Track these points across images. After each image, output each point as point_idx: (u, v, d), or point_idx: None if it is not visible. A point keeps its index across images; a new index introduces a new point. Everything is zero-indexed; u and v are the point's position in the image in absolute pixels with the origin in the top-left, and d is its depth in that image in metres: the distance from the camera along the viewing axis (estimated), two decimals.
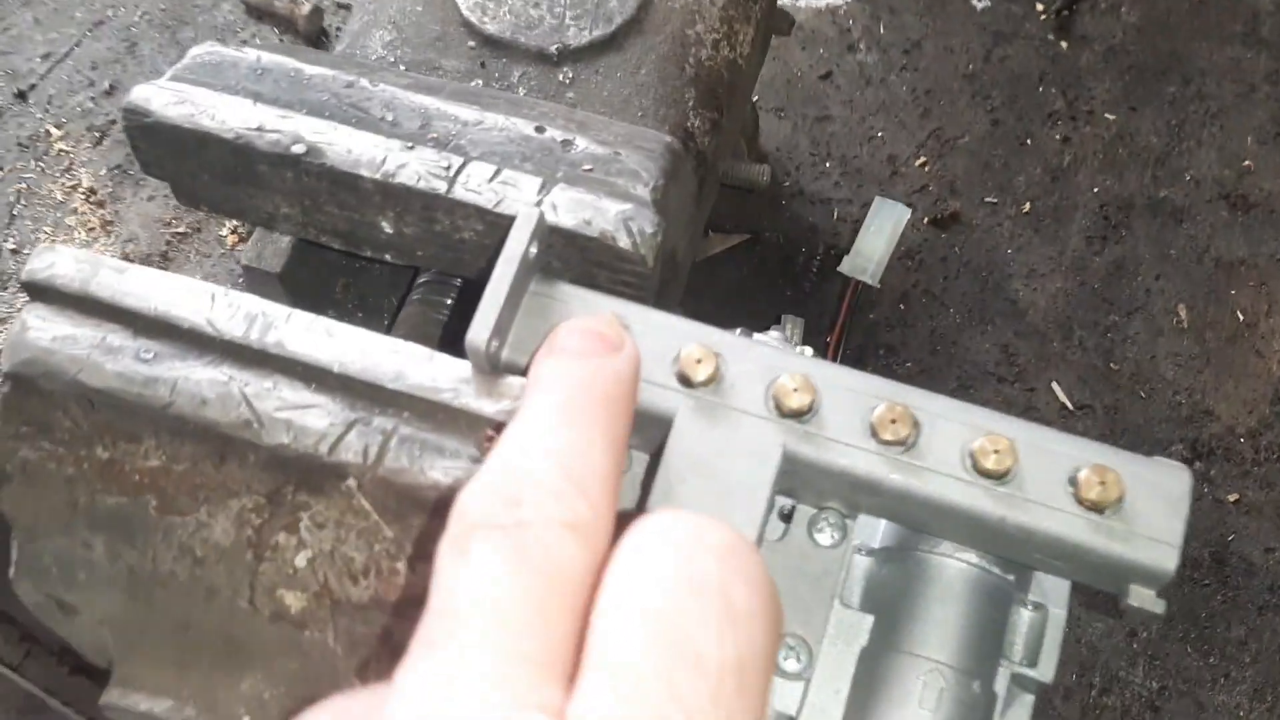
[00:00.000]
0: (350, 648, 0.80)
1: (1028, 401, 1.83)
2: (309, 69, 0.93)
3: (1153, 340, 1.86)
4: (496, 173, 0.85)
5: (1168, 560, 0.72)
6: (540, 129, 0.90)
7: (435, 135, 0.88)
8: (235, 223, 1.84)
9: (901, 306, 1.88)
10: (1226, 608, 1.64)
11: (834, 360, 1.79)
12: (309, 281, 1.19)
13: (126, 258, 1.85)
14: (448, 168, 0.85)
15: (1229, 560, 1.67)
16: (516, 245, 0.78)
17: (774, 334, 1.18)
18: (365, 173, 0.85)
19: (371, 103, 0.90)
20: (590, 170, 0.88)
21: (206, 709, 0.84)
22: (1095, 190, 2.02)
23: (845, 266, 1.87)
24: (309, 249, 1.18)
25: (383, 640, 0.79)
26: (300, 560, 0.79)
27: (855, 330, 1.85)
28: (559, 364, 0.53)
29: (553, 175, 0.87)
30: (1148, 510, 0.74)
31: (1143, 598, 0.75)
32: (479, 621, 0.39)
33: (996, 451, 0.74)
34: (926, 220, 1.96)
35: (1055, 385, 1.82)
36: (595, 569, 0.43)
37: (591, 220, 0.84)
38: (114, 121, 2.03)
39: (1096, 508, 0.73)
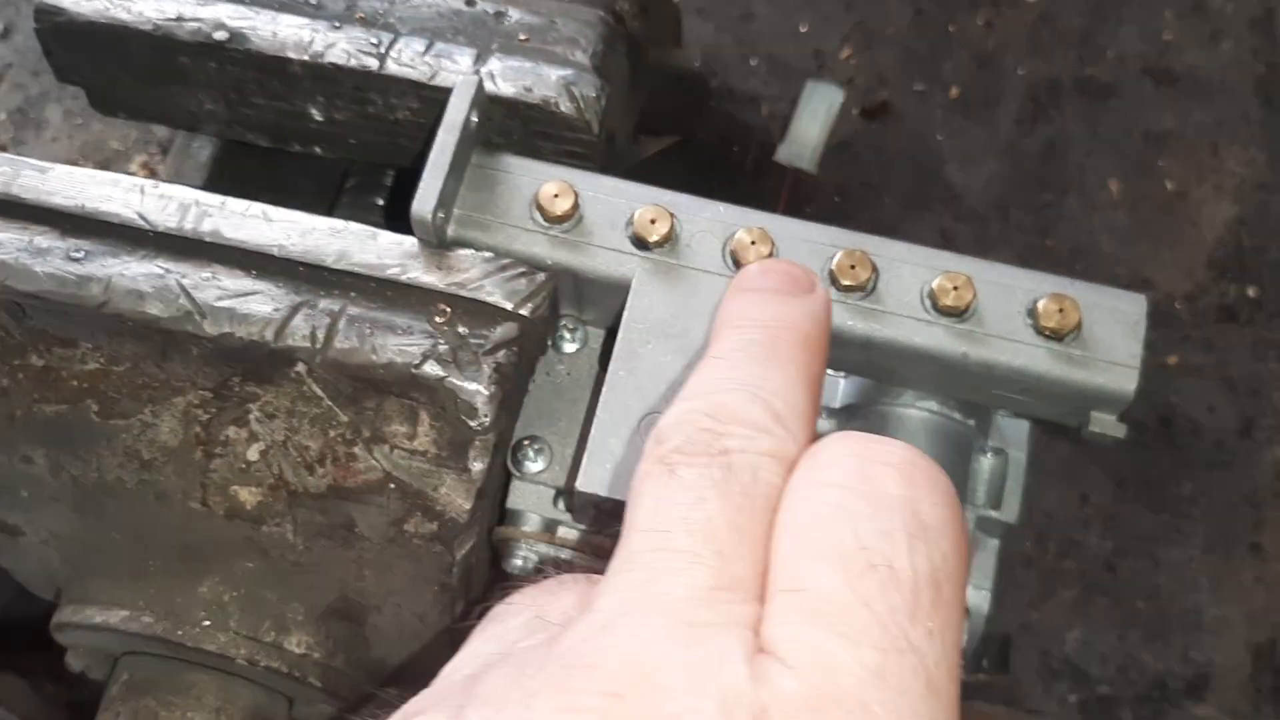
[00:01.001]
0: (311, 539, 0.78)
1: None
2: None
3: (1088, 216, 1.88)
4: (429, 46, 0.83)
5: (1128, 382, 0.73)
6: (470, 2, 0.87)
7: (362, 14, 0.85)
8: (144, 156, 1.79)
9: (838, 199, 1.88)
10: (1175, 466, 1.68)
11: None
12: (232, 196, 1.15)
13: None
14: (378, 44, 0.82)
15: (1174, 421, 1.70)
16: (456, 113, 0.75)
17: None
18: (293, 55, 0.82)
19: None
20: (526, 40, 0.85)
21: (164, 616, 0.82)
22: (1022, 73, 2.02)
23: (781, 155, 1.86)
24: (227, 165, 1.14)
25: (346, 528, 0.77)
26: (252, 453, 0.77)
27: None
28: (755, 301, 0.52)
29: (488, 46, 0.84)
30: (1106, 335, 0.74)
31: (1104, 423, 0.75)
32: (687, 540, 0.39)
33: (955, 288, 0.74)
34: (857, 111, 1.95)
35: None
36: None
37: (532, 87, 0.81)
38: (10, 65, 1.96)
39: (1056, 335, 0.73)
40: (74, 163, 1.82)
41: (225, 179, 1.16)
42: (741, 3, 2.04)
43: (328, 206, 1.19)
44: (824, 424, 0.86)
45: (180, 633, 0.83)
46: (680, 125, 1.87)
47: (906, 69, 2.01)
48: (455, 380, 0.73)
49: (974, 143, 1.94)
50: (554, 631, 0.40)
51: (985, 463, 0.87)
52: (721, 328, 0.51)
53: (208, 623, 0.83)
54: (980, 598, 0.87)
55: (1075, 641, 1.58)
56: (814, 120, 1.87)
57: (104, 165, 1.84)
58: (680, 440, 0.42)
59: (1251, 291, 1.82)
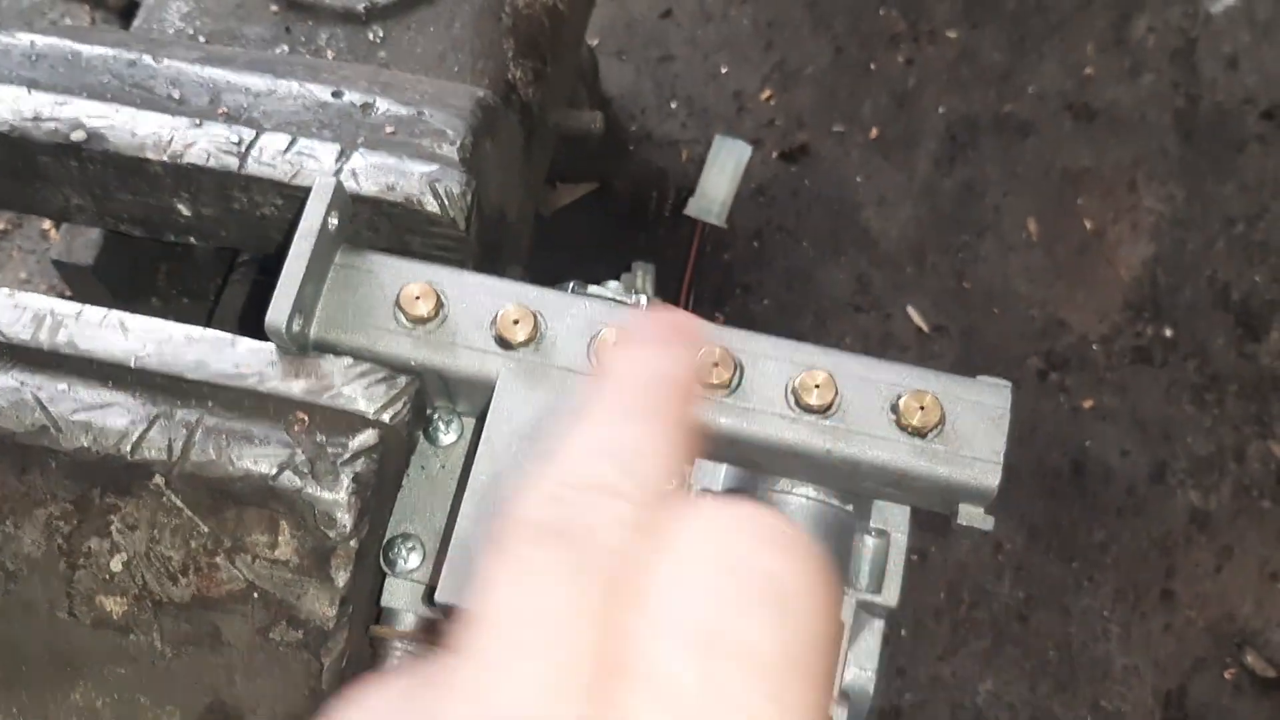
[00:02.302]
0: (179, 647, 0.77)
1: (884, 329, 1.84)
2: (88, 50, 0.88)
3: (1004, 257, 1.89)
4: (291, 143, 0.82)
5: (990, 477, 0.73)
6: (338, 94, 0.86)
7: (225, 109, 0.84)
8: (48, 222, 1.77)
9: (755, 244, 1.88)
10: (1087, 513, 1.69)
11: (686, 304, 1.78)
12: (126, 271, 1.14)
13: None
14: (239, 142, 0.81)
15: (1087, 467, 1.71)
16: (313, 218, 0.75)
17: (614, 284, 1.16)
18: (151, 155, 0.81)
19: (156, 80, 0.86)
20: (393, 133, 0.85)
21: None
22: (941, 111, 2.04)
23: (691, 209, 1.86)
24: (122, 238, 1.13)
25: (213, 636, 0.76)
26: (115, 564, 0.76)
27: (711, 271, 1.84)
28: (626, 357, 0.49)
29: (353, 141, 0.84)
30: (969, 430, 0.74)
31: (972, 515, 0.75)
32: (531, 634, 0.37)
33: (817, 386, 0.74)
34: (775, 154, 1.95)
35: (911, 310, 1.84)
36: None
37: (395, 185, 0.81)
38: None
39: (919, 432, 0.73)
40: None
41: (121, 246, 1.14)
42: (661, 45, 2.04)
43: (223, 279, 1.18)
44: None
45: None
46: (598, 172, 1.87)
47: (826, 109, 2.02)
48: (313, 491, 0.72)
49: (892, 185, 1.95)
50: None
51: (868, 544, 0.87)
52: (596, 383, 0.47)
53: None
54: (865, 679, 0.87)
55: (986, 693, 1.58)
56: (723, 175, 1.87)
57: (17, 224, 1.81)
58: (532, 516, 0.40)
59: (1167, 332, 1.84)
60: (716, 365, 0.75)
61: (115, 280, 1.13)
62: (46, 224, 1.80)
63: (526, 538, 0.39)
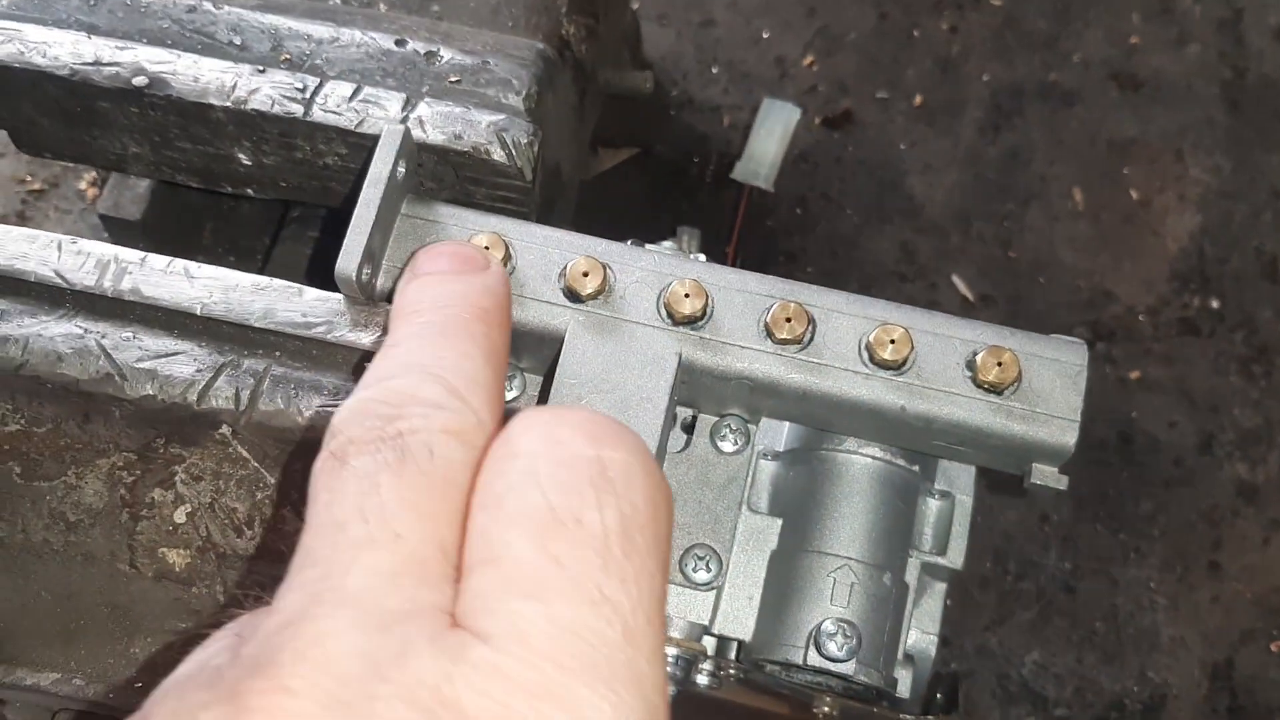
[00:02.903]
0: (241, 602, 0.76)
1: (930, 297, 1.82)
2: None
3: (1050, 226, 1.87)
4: (356, 91, 0.81)
5: (1067, 435, 0.72)
6: (401, 42, 0.85)
7: (288, 56, 0.83)
8: (93, 174, 1.76)
9: (799, 211, 1.86)
10: (1134, 484, 1.67)
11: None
12: (172, 227, 1.13)
13: None
14: (303, 89, 0.80)
15: (1134, 438, 1.69)
16: (382, 166, 0.73)
17: (668, 244, 1.15)
18: (215, 101, 0.80)
19: (217, 27, 0.84)
20: (458, 82, 0.83)
21: (96, 678, 0.81)
22: (985, 79, 2.01)
23: (738, 173, 1.84)
24: (170, 193, 1.12)
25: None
26: (179, 516, 0.75)
27: (754, 238, 1.82)
28: (425, 284, 0.52)
29: (418, 90, 0.82)
30: (1046, 387, 0.73)
31: (1045, 475, 0.74)
32: (363, 530, 0.38)
33: (892, 341, 0.73)
34: (818, 121, 1.93)
35: (956, 279, 1.81)
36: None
37: (462, 134, 0.80)
38: None
39: (995, 389, 0.72)
40: (21, 180, 1.80)
41: (169, 201, 1.13)
42: (702, 9, 2.02)
43: (272, 237, 1.17)
44: (768, 465, 0.85)
45: (112, 696, 0.81)
46: (640, 137, 1.85)
47: (869, 76, 2.00)
48: None
49: (936, 152, 1.93)
50: (238, 652, 0.39)
51: (932, 506, 0.86)
52: (396, 315, 0.51)
53: (140, 685, 0.81)
54: (926, 642, 0.86)
55: (1032, 664, 1.57)
56: (770, 138, 1.85)
57: (53, 183, 1.80)
58: (354, 430, 0.42)
59: (1214, 303, 1.81)
60: (790, 320, 0.74)
61: (162, 236, 1.12)
62: (83, 184, 1.79)
63: (350, 450, 0.41)
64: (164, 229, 1.13)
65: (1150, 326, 1.78)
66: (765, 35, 2.01)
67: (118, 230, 1.13)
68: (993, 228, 1.86)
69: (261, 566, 0.75)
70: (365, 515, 0.39)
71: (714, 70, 1.98)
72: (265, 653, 0.36)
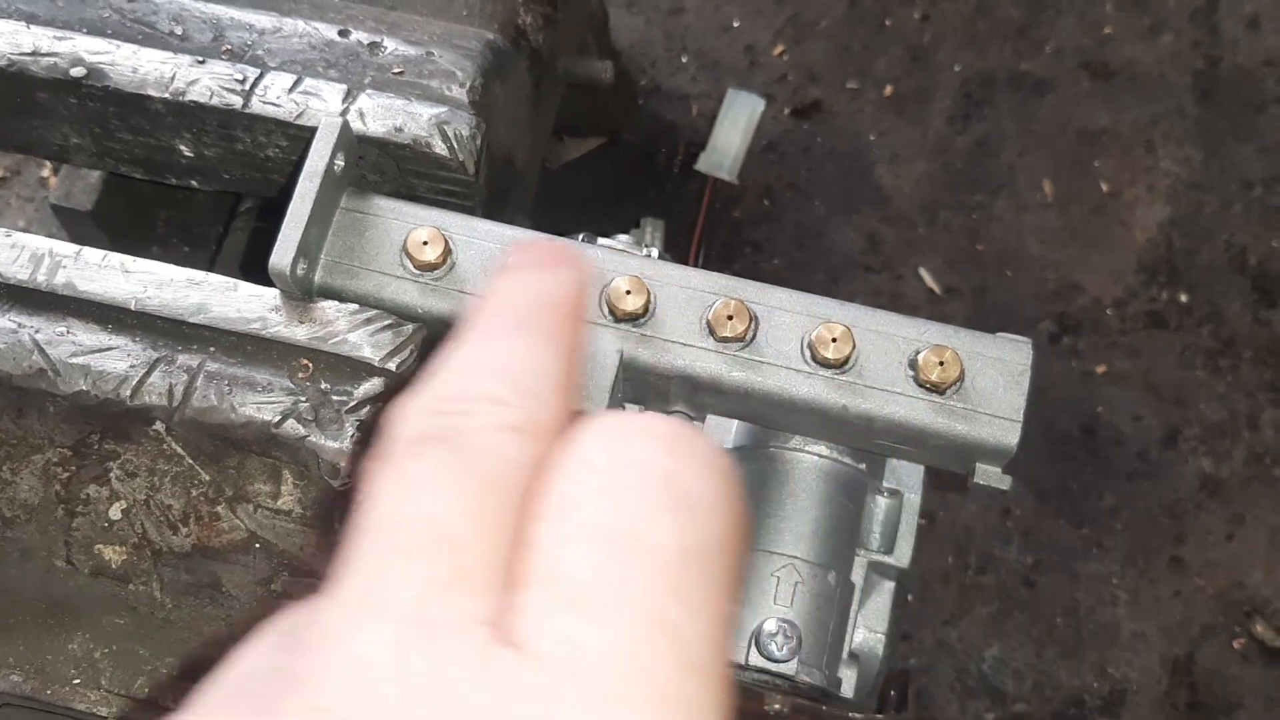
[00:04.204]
0: (179, 597, 0.76)
1: (895, 289, 1.81)
2: None
3: (1018, 218, 1.86)
4: (297, 82, 0.80)
5: (1009, 436, 0.71)
6: (345, 32, 0.84)
7: (229, 47, 0.81)
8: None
9: (766, 201, 1.85)
10: (1097, 478, 1.67)
11: (695, 261, 1.76)
12: (125, 217, 1.12)
13: None
14: (243, 80, 0.79)
15: (1098, 431, 1.69)
16: (318, 159, 0.73)
17: (624, 238, 1.14)
18: (153, 92, 0.79)
19: (158, 16, 0.83)
20: (401, 73, 0.82)
21: (34, 674, 0.80)
22: (957, 68, 2.00)
23: (702, 164, 1.83)
24: (122, 182, 1.11)
25: (213, 587, 0.75)
26: (115, 512, 0.74)
27: (720, 228, 1.81)
28: (501, 280, 0.48)
29: (360, 81, 0.81)
30: (989, 387, 0.72)
31: (989, 475, 0.74)
32: (414, 537, 0.36)
33: (834, 340, 0.72)
34: (787, 111, 1.92)
35: (922, 271, 1.81)
36: None
37: (403, 126, 0.79)
38: None
39: (937, 388, 0.71)
40: None
41: (121, 191, 1.12)
42: None
43: (225, 225, 1.16)
44: None
45: (49, 692, 0.80)
46: (607, 126, 1.84)
47: (839, 65, 1.99)
48: (316, 439, 0.70)
49: (905, 142, 1.92)
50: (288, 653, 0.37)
51: (880, 504, 0.85)
52: (471, 312, 0.47)
53: (77, 681, 0.80)
54: (874, 640, 0.86)
55: (992, 659, 1.57)
56: (734, 129, 1.84)
57: (15, 170, 1.78)
58: (410, 428, 0.39)
59: (1182, 296, 1.81)
60: (731, 318, 0.73)
61: (115, 226, 1.11)
62: (45, 171, 1.77)
63: (407, 450, 0.38)
64: (117, 219, 1.11)
65: (1117, 319, 1.78)
66: (735, 24, 2.00)
67: (71, 220, 1.12)
68: (961, 218, 1.86)
69: (198, 564, 0.74)
70: (417, 520, 0.37)
71: (683, 59, 1.97)
72: (304, 667, 0.35)
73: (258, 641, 0.42)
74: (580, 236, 0.97)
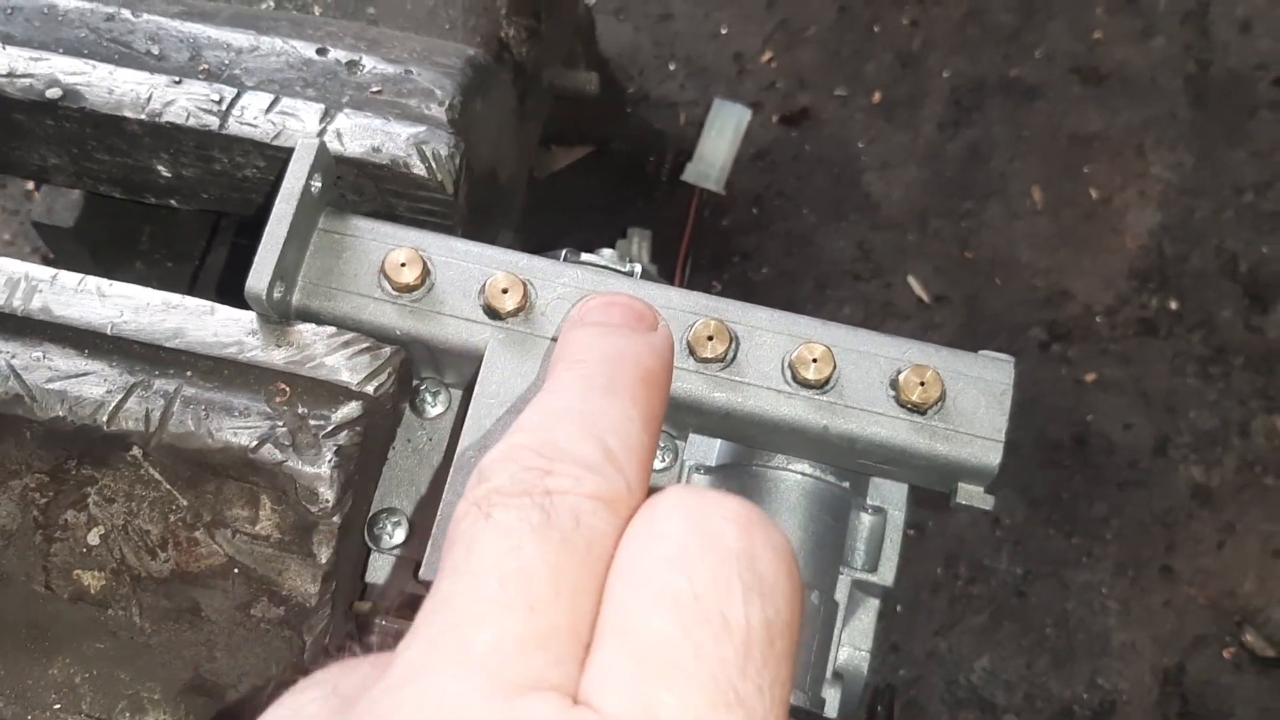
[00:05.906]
0: (158, 622, 0.75)
1: (885, 297, 1.81)
2: (64, 4, 0.85)
3: (1008, 224, 1.86)
4: (274, 102, 0.79)
5: (991, 456, 0.71)
6: (323, 51, 0.83)
7: (206, 66, 0.81)
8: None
9: (755, 210, 1.85)
10: (1088, 487, 1.66)
11: (683, 271, 1.76)
12: (108, 233, 1.12)
13: None
14: (219, 101, 0.78)
15: (1089, 440, 1.69)
16: (295, 181, 0.72)
17: (608, 252, 1.14)
18: (129, 114, 0.79)
19: (135, 36, 0.83)
20: (379, 92, 0.82)
21: (15, 699, 0.79)
22: (946, 74, 2.00)
23: (689, 174, 1.83)
24: (104, 199, 1.10)
25: (192, 612, 0.75)
26: (93, 538, 0.74)
27: (709, 237, 1.81)
28: (593, 335, 0.49)
29: (338, 101, 0.81)
30: (970, 407, 0.72)
31: (971, 495, 0.73)
32: (498, 590, 0.37)
33: (815, 360, 0.72)
34: (776, 118, 1.92)
35: (911, 279, 1.81)
36: None
37: (381, 146, 0.78)
38: None
39: (918, 409, 0.71)
40: None
41: (103, 208, 1.12)
42: (661, 2, 2.00)
43: (208, 241, 1.16)
44: (698, 479, 0.84)
45: (30, 717, 0.80)
46: (595, 135, 1.84)
47: (828, 72, 1.98)
48: (294, 464, 0.70)
49: (895, 149, 1.92)
50: (345, 703, 0.38)
51: (864, 522, 0.85)
52: (558, 361, 0.48)
53: (58, 706, 0.80)
54: (859, 659, 0.86)
55: (982, 670, 1.56)
56: (722, 139, 1.84)
57: (1, 184, 1.78)
58: (501, 480, 0.40)
59: (1173, 303, 1.81)
60: (712, 339, 0.73)
61: (97, 242, 1.10)
62: (30, 185, 1.77)
63: (488, 500, 0.39)
64: (99, 235, 1.11)
65: (1108, 326, 1.78)
66: (724, 30, 1.99)
67: (53, 237, 1.11)
68: (951, 226, 1.86)
69: (177, 589, 0.73)
70: (503, 576, 0.37)
71: (671, 66, 1.96)
72: (387, 709, 0.35)
73: (305, 686, 0.42)
74: (563, 254, 0.96)
